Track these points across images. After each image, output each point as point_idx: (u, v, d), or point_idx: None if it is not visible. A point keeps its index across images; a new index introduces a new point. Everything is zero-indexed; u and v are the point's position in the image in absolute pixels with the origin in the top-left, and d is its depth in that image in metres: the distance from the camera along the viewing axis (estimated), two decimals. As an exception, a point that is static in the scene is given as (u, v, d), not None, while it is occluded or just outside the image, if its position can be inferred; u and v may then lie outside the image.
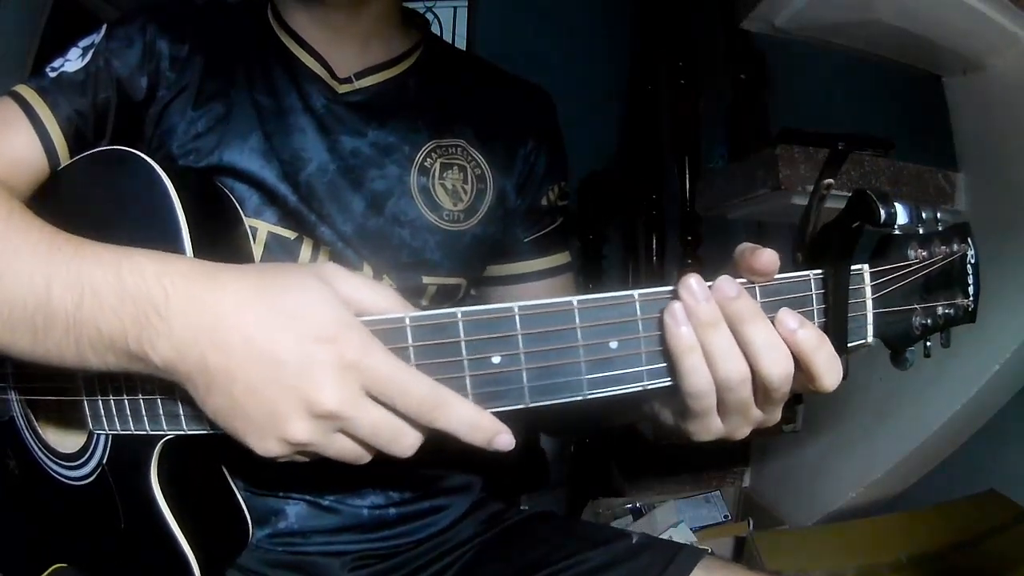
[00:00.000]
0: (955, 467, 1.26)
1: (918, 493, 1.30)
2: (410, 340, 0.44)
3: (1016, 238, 1.08)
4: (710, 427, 0.47)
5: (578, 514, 1.70)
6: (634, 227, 2.35)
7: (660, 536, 1.44)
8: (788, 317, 0.43)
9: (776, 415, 0.48)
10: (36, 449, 0.65)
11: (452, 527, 0.77)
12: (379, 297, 0.46)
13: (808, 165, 1.20)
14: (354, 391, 0.42)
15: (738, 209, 1.44)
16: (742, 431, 0.48)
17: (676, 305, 0.43)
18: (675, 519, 1.52)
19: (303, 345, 0.42)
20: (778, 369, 0.43)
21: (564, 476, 2.11)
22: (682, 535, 1.47)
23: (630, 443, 1.71)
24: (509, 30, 2.82)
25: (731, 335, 0.43)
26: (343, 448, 0.45)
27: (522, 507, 0.82)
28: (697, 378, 0.44)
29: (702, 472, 1.68)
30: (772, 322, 0.44)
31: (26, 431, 0.66)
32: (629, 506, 1.64)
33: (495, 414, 0.44)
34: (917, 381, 1.23)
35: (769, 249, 0.44)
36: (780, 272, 0.45)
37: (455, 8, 3.10)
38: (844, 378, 0.45)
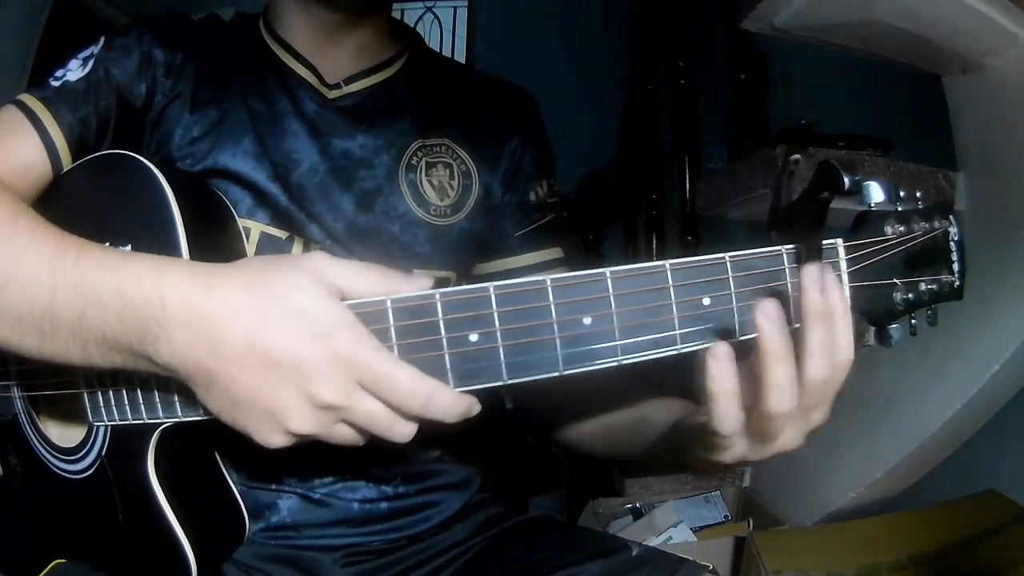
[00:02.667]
0: (955, 467, 1.26)
1: (918, 493, 1.30)
2: (391, 321, 0.45)
3: (1016, 238, 1.08)
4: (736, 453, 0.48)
5: (578, 514, 1.70)
6: (634, 227, 2.36)
7: (660, 535, 1.45)
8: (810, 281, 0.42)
9: (827, 412, 0.47)
10: (37, 445, 0.66)
11: (447, 526, 0.77)
12: (370, 280, 0.46)
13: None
14: (349, 383, 0.44)
15: (738, 209, 1.44)
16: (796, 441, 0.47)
17: (722, 347, 0.43)
18: (675, 519, 1.52)
19: (297, 344, 0.44)
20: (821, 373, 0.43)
21: (564, 476, 2.11)
22: (682, 535, 1.47)
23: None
24: (509, 30, 2.83)
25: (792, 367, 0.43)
26: (343, 435, 0.47)
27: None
28: (729, 423, 0.45)
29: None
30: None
31: (28, 428, 0.67)
32: (629, 506, 1.64)
33: (476, 392, 0.46)
34: (917, 381, 1.22)
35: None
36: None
37: (455, 8, 3.10)
38: None
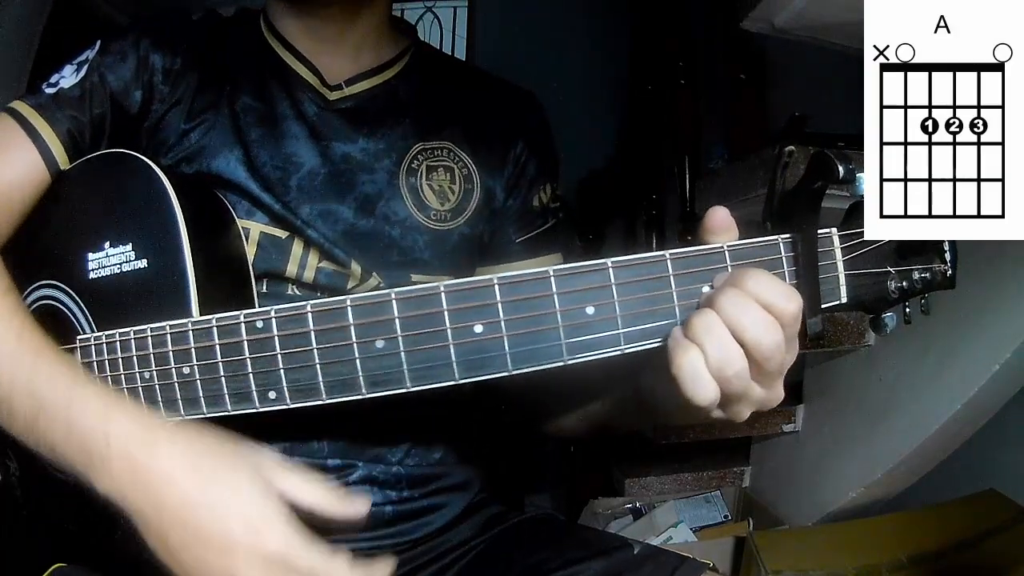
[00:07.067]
0: (955, 467, 1.26)
1: (918, 493, 1.30)
2: (396, 312, 0.46)
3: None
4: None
5: (577, 514, 1.70)
6: (634, 227, 2.35)
7: (660, 535, 1.45)
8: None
9: (779, 391, 0.47)
10: (36, 448, 0.65)
11: (450, 528, 0.77)
12: (313, 492, 0.49)
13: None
14: None
15: (738, 209, 1.43)
16: (744, 413, 0.48)
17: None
18: (675, 519, 1.52)
19: (228, 533, 0.46)
20: (768, 339, 0.43)
21: (564, 476, 2.10)
22: (682, 535, 1.47)
23: (630, 443, 1.71)
24: (509, 30, 2.82)
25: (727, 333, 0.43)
26: None
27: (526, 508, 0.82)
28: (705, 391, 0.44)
29: (702, 472, 1.68)
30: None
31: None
32: (629, 506, 1.64)
33: (481, 383, 0.47)
34: (917, 381, 1.23)
35: (719, 207, 0.47)
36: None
37: (455, 8, 3.09)
38: (820, 336, 0.45)
